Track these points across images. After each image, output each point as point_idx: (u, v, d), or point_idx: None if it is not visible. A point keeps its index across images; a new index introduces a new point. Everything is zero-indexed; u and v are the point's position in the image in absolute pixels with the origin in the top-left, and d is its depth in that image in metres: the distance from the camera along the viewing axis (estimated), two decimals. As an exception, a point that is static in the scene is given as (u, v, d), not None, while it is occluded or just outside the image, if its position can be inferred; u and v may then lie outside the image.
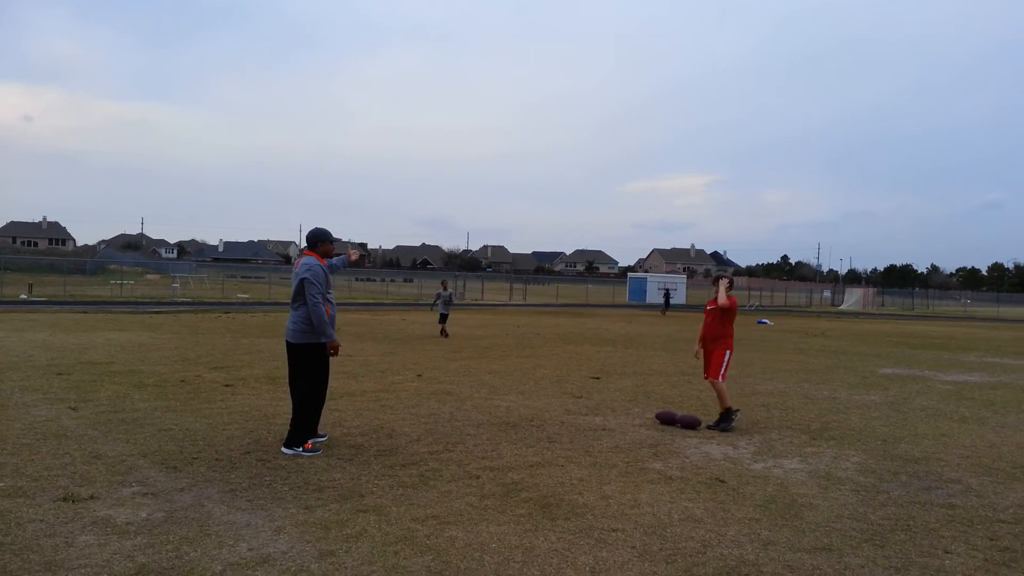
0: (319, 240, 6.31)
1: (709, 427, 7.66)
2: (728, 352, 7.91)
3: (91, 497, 4.71)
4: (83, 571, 3.61)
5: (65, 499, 4.64)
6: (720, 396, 7.78)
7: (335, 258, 6.55)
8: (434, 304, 19.60)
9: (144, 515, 4.43)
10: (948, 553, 4.30)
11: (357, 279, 60.65)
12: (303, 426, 6.10)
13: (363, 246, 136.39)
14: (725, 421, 7.64)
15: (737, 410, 7.89)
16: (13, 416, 7.02)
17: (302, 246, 8.39)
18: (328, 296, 6.20)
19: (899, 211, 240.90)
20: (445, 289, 19.37)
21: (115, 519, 4.34)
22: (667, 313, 37.02)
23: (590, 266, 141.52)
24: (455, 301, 22.17)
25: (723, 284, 8.10)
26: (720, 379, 7.81)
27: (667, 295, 40.48)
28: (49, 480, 5.04)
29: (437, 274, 77.14)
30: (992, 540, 4.54)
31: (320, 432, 6.49)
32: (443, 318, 18.61)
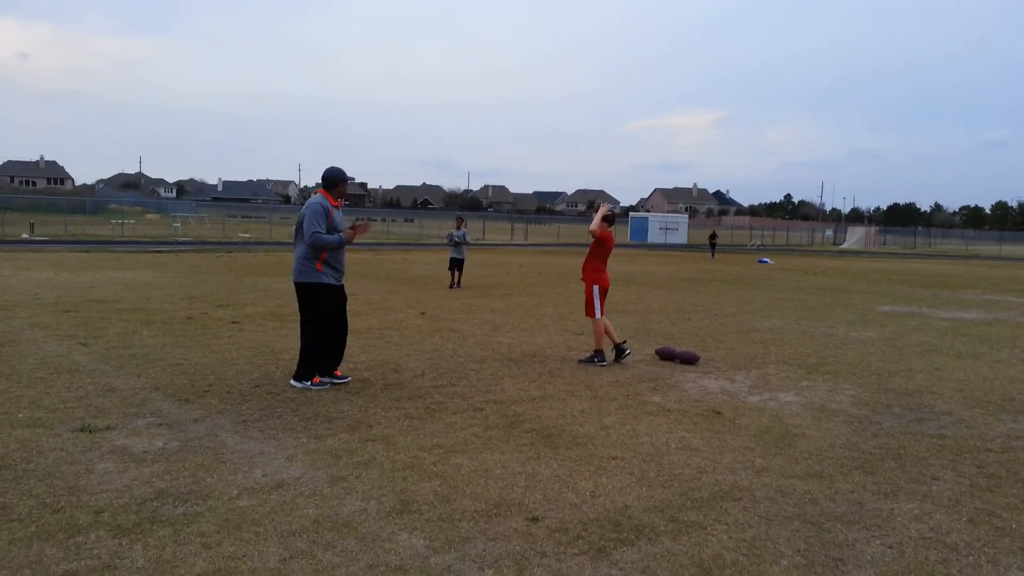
0: (336, 180, 6.24)
1: (580, 360, 7.63)
2: (595, 287, 7.65)
3: (107, 428, 4.87)
4: (106, 495, 3.77)
5: (83, 430, 4.80)
6: (595, 334, 7.62)
7: (334, 235, 6.16)
8: (454, 244, 15.62)
9: (160, 444, 4.58)
10: (936, 479, 4.47)
11: (358, 219, 60.43)
12: (312, 362, 6.20)
13: (363, 185, 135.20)
14: (595, 358, 7.55)
15: (616, 355, 7.67)
16: (25, 351, 7.16)
17: (310, 185, 8.17)
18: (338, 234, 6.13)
19: (904, 149, 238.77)
20: (459, 228, 15.90)
21: (132, 448, 4.50)
22: (715, 257, 34.24)
23: (591, 205, 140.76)
24: (469, 241, 16.81)
25: (602, 211, 7.68)
26: (595, 317, 7.61)
27: (713, 237, 36.36)
28: (66, 412, 5.19)
29: (437, 214, 76.63)
30: (979, 468, 4.70)
31: (343, 375, 6.46)
32: (455, 263, 15.41)
